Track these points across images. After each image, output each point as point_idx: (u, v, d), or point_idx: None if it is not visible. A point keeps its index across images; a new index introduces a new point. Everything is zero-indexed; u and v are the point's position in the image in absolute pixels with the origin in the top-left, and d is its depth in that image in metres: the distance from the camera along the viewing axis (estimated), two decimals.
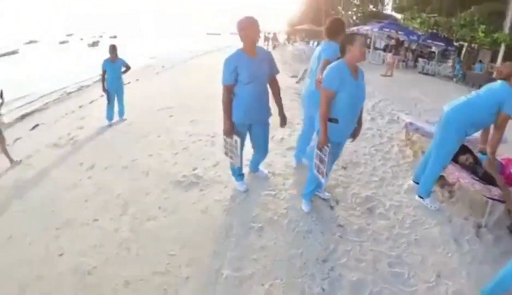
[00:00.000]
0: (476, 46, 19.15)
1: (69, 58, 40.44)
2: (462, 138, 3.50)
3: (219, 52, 26.54)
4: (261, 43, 36.93)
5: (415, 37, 20.91)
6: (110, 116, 6.89)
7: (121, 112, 7.12)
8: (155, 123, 6.70)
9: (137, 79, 12.28)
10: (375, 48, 24.03)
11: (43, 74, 21.42)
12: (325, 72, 2.92)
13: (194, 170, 4.51)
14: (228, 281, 2.72)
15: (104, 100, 7.15)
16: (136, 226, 3.45)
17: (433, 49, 21.72)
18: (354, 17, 38.51)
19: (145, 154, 5.15)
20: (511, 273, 2.31)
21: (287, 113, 3.74)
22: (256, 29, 3.10)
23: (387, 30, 21.21)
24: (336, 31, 3.56)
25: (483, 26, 16.38)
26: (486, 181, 3.49)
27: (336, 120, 2.91)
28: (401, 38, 20.93)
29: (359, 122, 3.22)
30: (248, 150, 3.86)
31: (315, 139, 3.13)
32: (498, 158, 3.65)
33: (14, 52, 75.45)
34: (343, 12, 36.35)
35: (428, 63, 18.69)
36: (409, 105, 8.56)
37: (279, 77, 3.57)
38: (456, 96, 3.75)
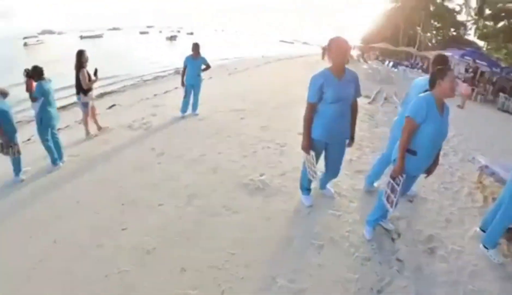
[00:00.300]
0: None
1: (147, 48, 43.69)
2: None
3: (291, 62, 26.86)
4: (317, 54, 36.48)
5: (498, 69, 19.09)
6: (184, 109, 7.33)
7: (195, 107, 7.49)
8: (226, 123, 6.93)
9: (210, 77, 12.81)
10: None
11: (122, 59, 23.29)
12: (412, 102, 2.89)
13: (261, 175, 4.56)
14: (281, 290, 2.74)
15: (177, 93, 7.56)
16: (200, 219, 3.59)
17: None
18: (433, 40, 36.95)
19: (214, 151, 5.35)
20: None
21: (356, 134, 3.73)
22: (345, 52, 3.13)
23: (469, 58, 19.69)
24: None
25: None
26: None
27: (415, 153, 2.87)
28: (483, 68, 19.31)
29: (436, 159, 3.12)
30: (318, 167, 3.84)
31: (390, 167, 3.10)
32: None
33: (99, 36, 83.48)
34: (421, 33, 34.85)
35: (510, 100, 16.96)
36: (485, 144, 7.88)
37: None
38: None
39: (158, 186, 4.28)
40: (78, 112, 8.02)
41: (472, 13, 31.34)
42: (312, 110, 3.29)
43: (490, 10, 26.61)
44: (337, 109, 3.21)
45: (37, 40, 70.65)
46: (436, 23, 36.11)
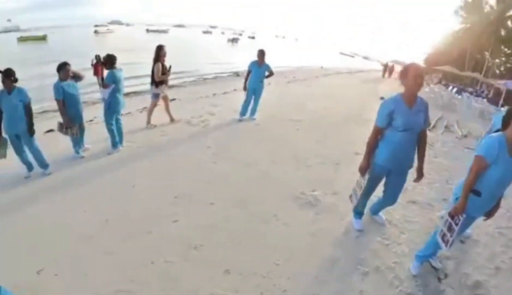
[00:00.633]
0: None
1: (209, 48, 45.33)
2: None
3: (350, 77, 26.44)
4: (377, 71, 35.25)
5: None
6: (243, 113, 7.58)
7: (253, 112, 7.70)
8: (282, 132, 7.01)
9: (269, 84, 12.95)
10: None
11: (184, 55, 24.33)
12: (483, 141, 2.81)
13: (313, 191, 4.55)
14: None
15: (236, 95, 7.75)
16: (249, 223, 3.67)
17: None
18: (502, 67, 34.59)
19: (269, 158, 5.44)
20: None
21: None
22: (422, 82, 3.10)
23: None
24: None
25: None
26: None
27: (479, 193, 2.78)
28: None
29: (499, 202, 2.99)
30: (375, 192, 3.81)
31: (450, 205, 3.01)
32: None
33: (164, 31, 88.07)
34: (489, 59, 32.69)
35: None
36: None
37: None
38: None
39: (211, 184, 4.44)
40: (139, 100, 8.52)
41: None
42: (378, 134, 3.29)
43: None
44: (405, 137, 3.19)
45: (107, 29, 76.35)
46: (506, 49, 33.87)
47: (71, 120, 4.89)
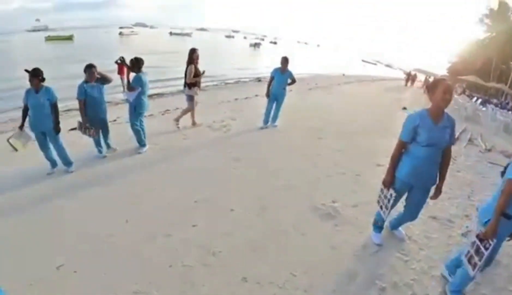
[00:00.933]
0: None
1: (231, 52, 45.77)
2: None
3: (372, 85, 26.13)
4: (399, 79, 34.60)
5: None
6: (266, 121, 7.63)
7: (274, 119, 7.72)
8: (303, 140, 7.01)
9: (291, 90, 12.97)
10: None
11: (207, 59, 24.61)
12: None
13: (333, 202, 4.51)
14: None
15: (257, 100, 7.78)
16: (268, 232, 3.67)
17: None
18: None
19: (289, 167, 5.43)
20: None
21: None
22: (450, 98, 3.04)
23: None
24: None
25: None
26: None
27: (510, 217, 2.71)
28: None
29: None
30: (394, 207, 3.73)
31: (474, 225, 2.96)
32: None
33: (188, 34, 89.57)
34: None
35: None
36: None
37: None
38: None
39: (231, 190, 4.48)
40: (162, 102, 8.66)
41: None
42: (401, 148, 3.27)
43: None
44: (429, 153, 3.16)
45: (131, 31, 78.31)
46: None
47: (90, 121, 5.03)
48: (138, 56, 5.43)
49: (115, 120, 7.43)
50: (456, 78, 32.87)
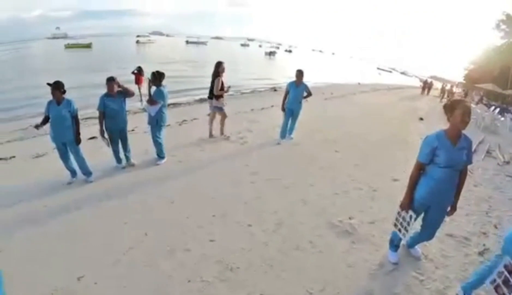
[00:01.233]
0: None
1: (246, 61, 46.07)
2: None
3: (388, 94, 25.83)
4: (415, 88, 33.89)
5: None
6: (282, 136, 7.61)
7: (290, 131, 7.75)
8: (320, 154, 7.02)
9: (306, 100, 12.97)
10: None
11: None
12: None
13: (350, 219, 4.51)
14: None
15: (274, 111, 7.79)
16: (284, 249, 3.69)
17: None
18: None
19: (306, 182, 5.45)
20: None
21: None
22: (466, 120, 3.02)
23: None
24: None
25: None
26: None
27: None
28: None
29: None
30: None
31: (504, 258, 2.86)
32: None
33: (204, 43, 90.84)
34: None
35: None
36: None
37: None
38: None
39: (249, 205, 4.54)
40: (178, 113, 8.74)
41: None
42: (419, 170, 3.28)
43: None
44: (447, 174, 3.16)
45: (148, 39, 79.76)
46: None
47: (110, 132, 5.22)
48: (160, 69, 5.58)
49: (133, 130, 7.59)
50: (473, 86, 32.39)
